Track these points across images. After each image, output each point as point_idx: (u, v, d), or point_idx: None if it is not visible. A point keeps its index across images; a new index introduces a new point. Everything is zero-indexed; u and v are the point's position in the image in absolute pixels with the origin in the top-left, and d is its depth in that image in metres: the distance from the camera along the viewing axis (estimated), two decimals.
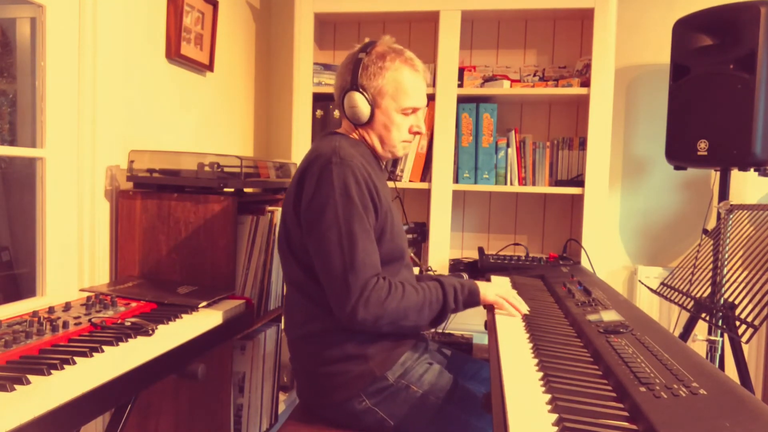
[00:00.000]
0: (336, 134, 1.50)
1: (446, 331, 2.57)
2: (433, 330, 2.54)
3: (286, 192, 1.45)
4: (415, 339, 1.48)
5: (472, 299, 1.45)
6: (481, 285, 1.48)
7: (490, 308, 1.48)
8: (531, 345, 1.16)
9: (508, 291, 1.49)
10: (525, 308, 1.45)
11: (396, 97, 1.44)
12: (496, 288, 1.49)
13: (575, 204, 2.69)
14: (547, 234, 2.79)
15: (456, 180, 2.60)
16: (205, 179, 1.74)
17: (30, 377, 0.96)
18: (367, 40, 1.51)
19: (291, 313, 1.48)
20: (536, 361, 1.06)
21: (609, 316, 1.29)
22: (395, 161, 2.62)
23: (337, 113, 1.57)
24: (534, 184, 2.62)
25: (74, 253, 1.72)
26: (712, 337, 1.78)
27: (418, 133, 1.51)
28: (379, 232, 1.38)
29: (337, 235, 1.29)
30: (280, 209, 1.95)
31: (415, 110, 1.48)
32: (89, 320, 1.30)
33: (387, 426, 1.37)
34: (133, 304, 1.47)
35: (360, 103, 1.43)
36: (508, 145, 2.60)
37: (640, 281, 2.66)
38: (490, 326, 1.36)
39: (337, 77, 1.50)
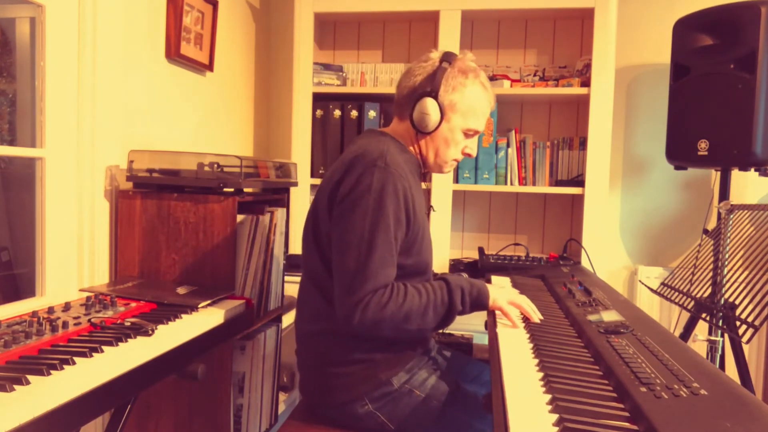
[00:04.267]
0: (386, 135, 1.46)
1: (446, 332, 2.57)
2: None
3: (323, 180, 1.41)
4: (422, 347, 1.45)
5: (481, 301, 1.38)
6: (493, 289, 1.41)
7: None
8: (531, 345, 1.16)
9: (524, 300, 1.41)
10: (537, 316, 1.37)
11: (466, 115, 1.43)
12: (510, 294, 1.42)
13: (575, 204, 2.68)
14: (547, 234, 2.79)
15: (456, 180, 2.60)
16: (205, 179, 1.74)
17: (29, 377, 0.96)
18: (442, 50, 1.47)
19: (303, 306, 1.47)
20: (537, 361, 1.05)
21: (609, 316, 1.29)
22: None
23: (393, 112, 1.53)
24: (534, 184, 2.62)
25: (74, 253, 1.72)
26: (713, 337, 1.78)
27: (468, 155, 1.51)
28: (409, 245, 1.36)
29: (359, 237, 1.27)
30: (280, 209, 1.95)
31: (476, 133, 1.48)
32: (89, 320, 1.29)
33: (387, 430, 1.37)
34: (133, 305, 1.47)
35: (433, 111, 1.40)
36: (508, 145, 2.60)
37: (640, 281, 2.66)
38: (491, 326, 1.35)
39: (408, 76, 1.46)
